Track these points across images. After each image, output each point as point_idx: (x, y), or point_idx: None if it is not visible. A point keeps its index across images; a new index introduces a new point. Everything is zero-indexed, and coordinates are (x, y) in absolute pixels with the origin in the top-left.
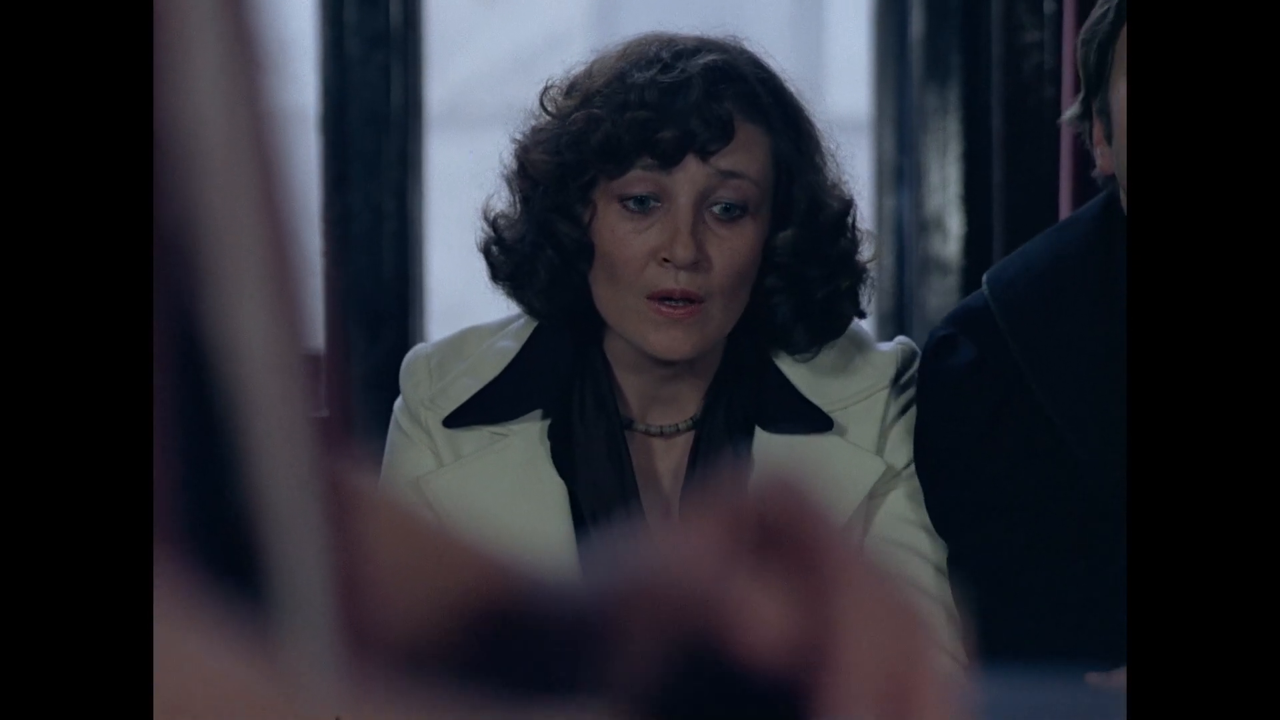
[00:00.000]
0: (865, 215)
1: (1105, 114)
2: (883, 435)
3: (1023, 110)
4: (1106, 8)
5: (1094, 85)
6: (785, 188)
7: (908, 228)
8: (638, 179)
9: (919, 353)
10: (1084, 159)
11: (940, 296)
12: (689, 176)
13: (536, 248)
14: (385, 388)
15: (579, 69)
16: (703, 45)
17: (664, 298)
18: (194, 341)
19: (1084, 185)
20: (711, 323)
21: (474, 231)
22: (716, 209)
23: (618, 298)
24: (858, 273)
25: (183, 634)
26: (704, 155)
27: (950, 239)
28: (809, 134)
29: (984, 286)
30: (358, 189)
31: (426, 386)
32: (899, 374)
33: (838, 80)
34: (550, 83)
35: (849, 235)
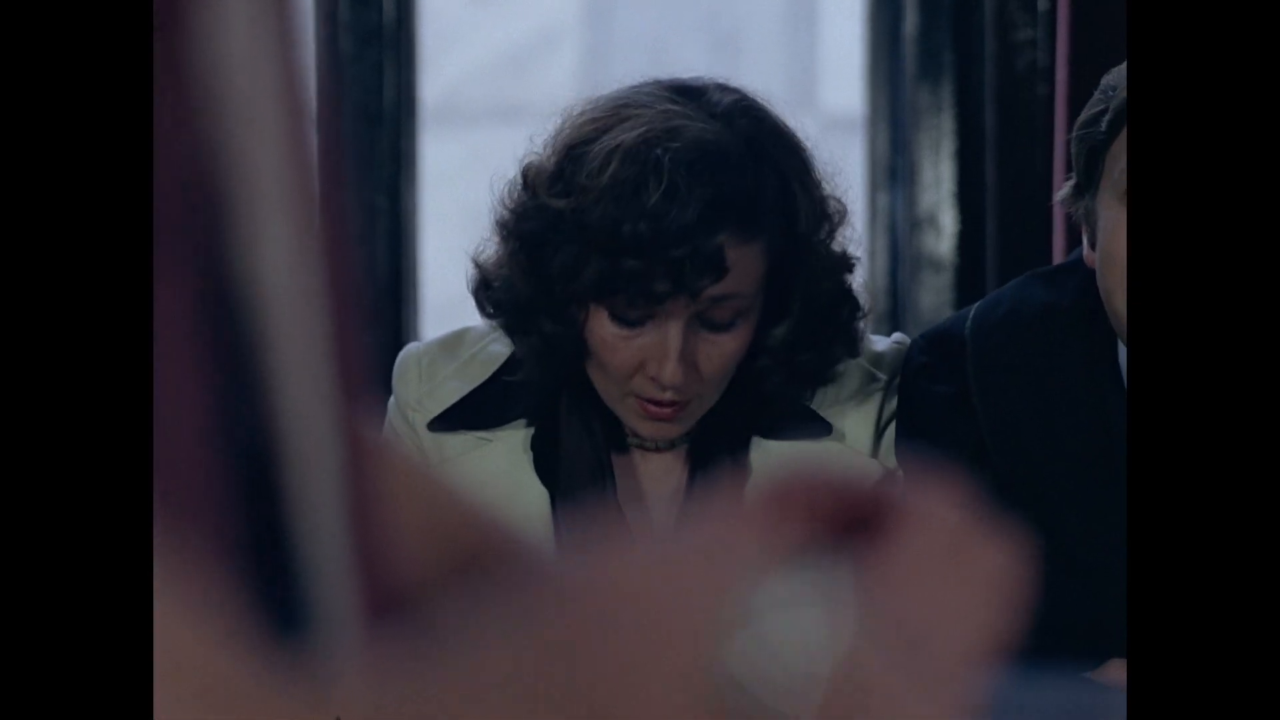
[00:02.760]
0: (862, 262)
1: (1091, 219)
2: (878, 436)
3: (1016, 107)
4: (1101, 109)
5: (1083, 185)
6: (781, 280)
7: (901, 225)
8: (627, 304)
9: None
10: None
11: (933, 294)
12: (680, 305)
13: (524, 332)
14: (380, 384)
15: (573, 128)
16: (704, 156)
17: (651, 401)
18: (219, 278)
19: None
20: (699, 410)
21: (466, 278)
22: (707, 323)
23: (607, 387)
24: (854, 340)
25: (184, 620)
26: (694, 294)
27: (943, 236)
28: (810, 218)
29: (968, 322)
30: (350, 186)
31: (415, 387)
32: (895, 374)
33: (831, 78)
34: (535, 156)
35: (846, 309)
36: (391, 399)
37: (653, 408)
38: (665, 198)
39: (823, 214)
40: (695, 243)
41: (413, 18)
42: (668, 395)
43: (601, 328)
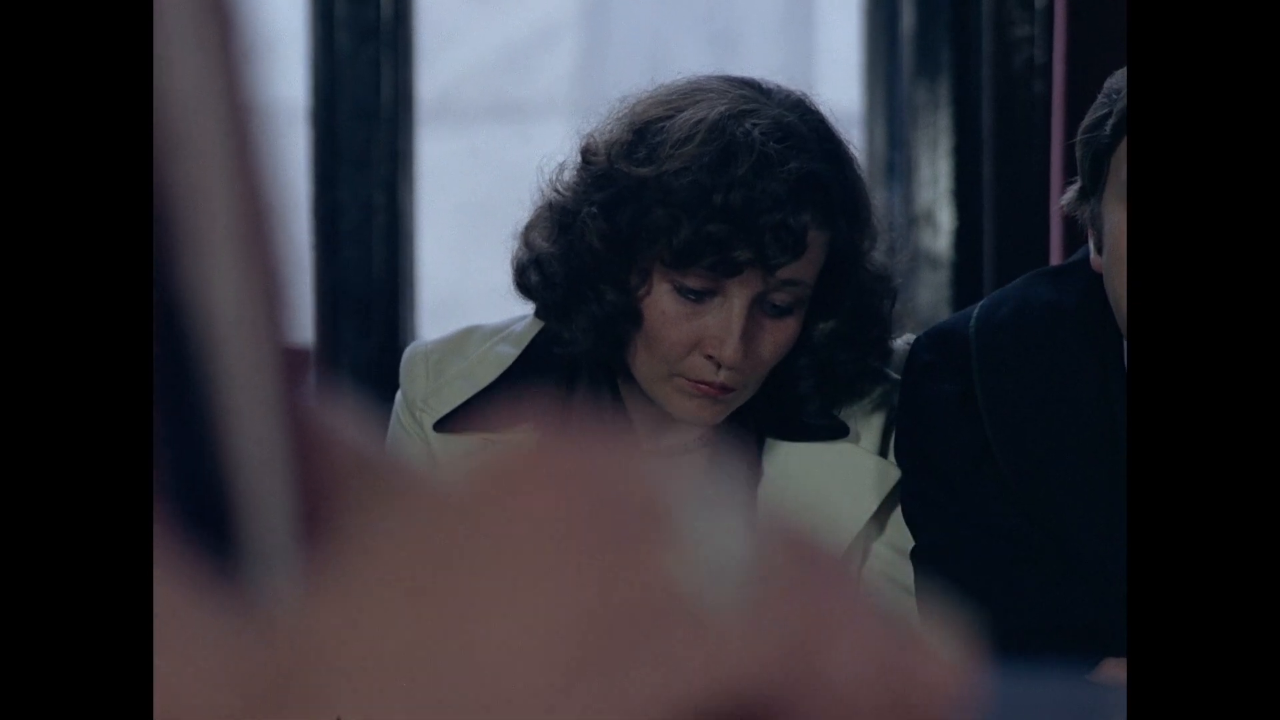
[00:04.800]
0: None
1: (1097, 223)
2: (885, 435)
3: (1013, 105)
4: (1105, 112)
5: (1089, 189)
6: (836, 278)
7: (898, 222)
8: (698, 275)
9: None
10: (1075, 155)
11: (931, 291)
12: (749, 282)
13: (581, 300)
14: (375, 382)
15: (643, 110)
16: (788, 137)
17: (701, 382)
18: (167, 305)
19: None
20: (739, 399)
21: (509, 251)
22: (767, 307)
23: (653, 365)
24: (888, 350)
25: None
26: (770, 270)
27: (941, 233)
28: (867, 225)
29: (972, 321)
30: (347, 184)
31: (423, 384)
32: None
33: (828, 75)
34: (610, 126)
35: (887, 315)
36: (399, 395)
37: (702, 386)
38: (755, 170)
39: (872, 218)
40: (783, 215)
41: (410, 15)
42: (720, 376)
43: (662, 301)
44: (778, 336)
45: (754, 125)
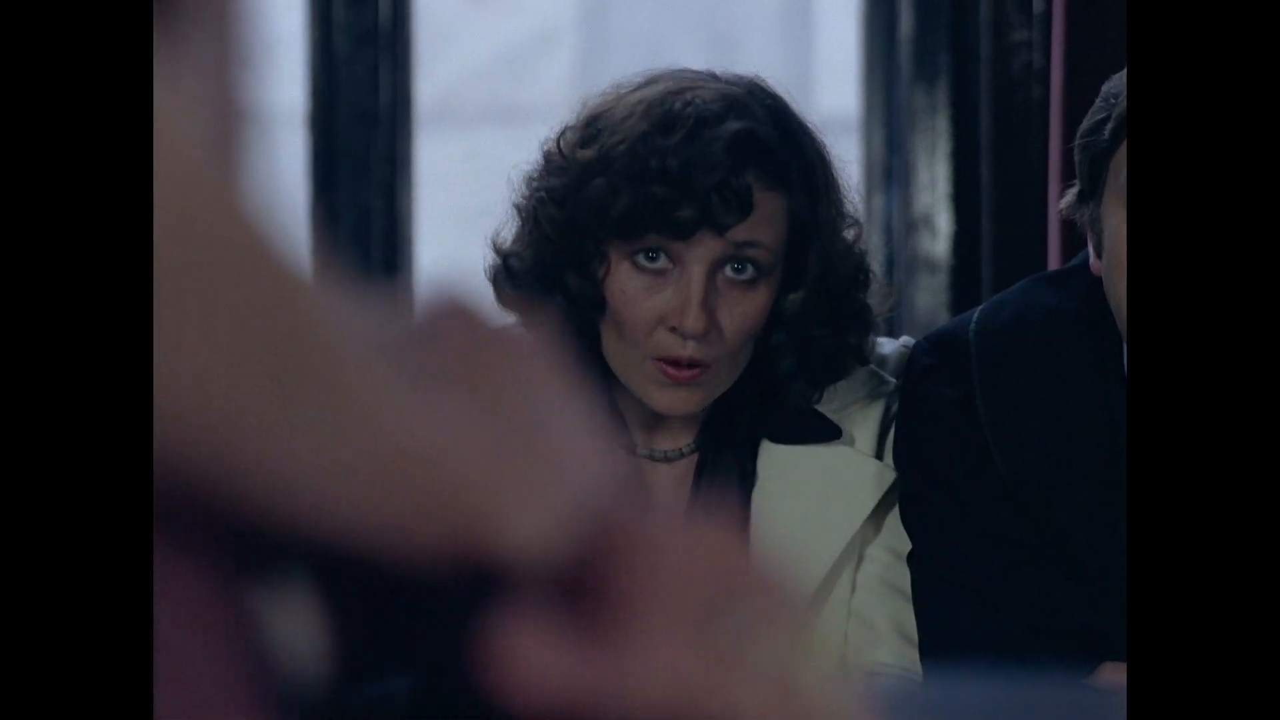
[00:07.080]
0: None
1: (1096, 227)
2: (881, 438)
3: (1011, 109)
4: (1104, 116)
5: (1088, 193)
6: (800, 248)
7: (896, 227)
8: (652, 241)
9: None
10: (1073, 159)
11: (929, 295)
12: (703, 247)
13: (547, 293)
14: None
15: (596, 104)
16: (729, 105)
17: (671, 361)
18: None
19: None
20: (716, 381)
21: (483, 260)
22: (729, 273)
23: (624, 353)
24: (867, 326)
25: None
26: (720, 230)
27: (939, 237)
28: (827, 191)
29: (973, 325)
30: (346, 187)
31: None
32: (902, 377)
33: (826, 79)
34: (567, 124)
35: (861, 292)
36: None
37: (672, 370)
38: (690, 137)
39: (838, 191)
40: (723, 174)
41: (408, 18)
42: (689, 349)
43: (623, 279)
44: (745, 306)
45: (694, 96)
